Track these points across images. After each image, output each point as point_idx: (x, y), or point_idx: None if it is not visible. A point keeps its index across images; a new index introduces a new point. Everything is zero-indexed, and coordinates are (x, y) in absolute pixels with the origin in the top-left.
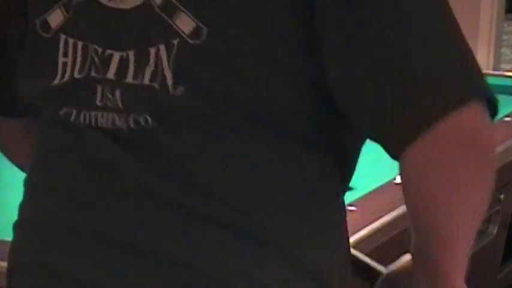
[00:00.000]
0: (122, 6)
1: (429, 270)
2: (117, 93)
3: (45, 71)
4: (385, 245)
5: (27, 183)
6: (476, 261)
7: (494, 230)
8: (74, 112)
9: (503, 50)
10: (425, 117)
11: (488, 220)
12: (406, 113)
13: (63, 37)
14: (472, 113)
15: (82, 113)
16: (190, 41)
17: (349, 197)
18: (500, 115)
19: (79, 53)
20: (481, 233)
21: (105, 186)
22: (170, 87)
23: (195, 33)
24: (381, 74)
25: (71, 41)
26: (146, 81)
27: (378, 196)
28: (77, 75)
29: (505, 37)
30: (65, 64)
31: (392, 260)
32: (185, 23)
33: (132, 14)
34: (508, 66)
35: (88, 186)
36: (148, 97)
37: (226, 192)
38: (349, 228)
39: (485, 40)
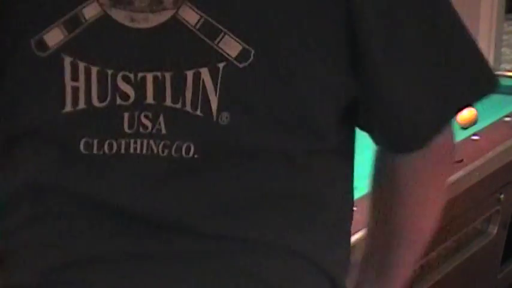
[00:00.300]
0: (145, 25)
1: (385, 281)
2: (161, 118)
3: (46, 94)
4: None
5: (22, 207)
6: (476, 261)
7: (494, 230)
8: (95, 142)
9: (503, 50)
10: (437, 122)
11: (488, 220)
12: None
13: (68, 59)
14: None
15: (107, 142)
16: (239, 65)
17: None
18: (500, 115)
19: (94, 79)
20: (481, 233)
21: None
22: (215, 114)
23: (243, 55)
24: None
25: (81, 64)
26: (187, 106)
27: None
28: (97, 103)
29: (505, 37)
30: (75, 89)
31: None
32: (231, 46)
33: (161, 34)
34: (508, 66)
35: (110, 222)
36: (190, 124)
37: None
38: None
39: (485, 40)
